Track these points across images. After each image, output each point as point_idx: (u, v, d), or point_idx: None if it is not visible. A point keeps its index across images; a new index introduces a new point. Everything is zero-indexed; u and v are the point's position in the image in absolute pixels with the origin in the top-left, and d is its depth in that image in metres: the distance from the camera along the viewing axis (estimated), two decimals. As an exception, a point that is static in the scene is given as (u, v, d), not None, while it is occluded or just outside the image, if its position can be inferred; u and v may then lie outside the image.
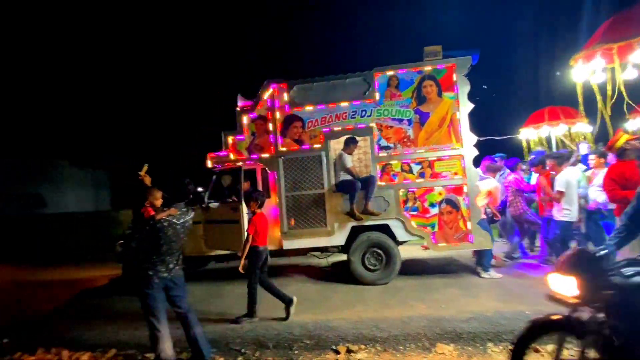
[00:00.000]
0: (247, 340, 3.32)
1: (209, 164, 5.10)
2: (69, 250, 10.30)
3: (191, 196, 3.47)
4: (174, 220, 2.77)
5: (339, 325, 3.49)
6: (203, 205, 5.04)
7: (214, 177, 5.11)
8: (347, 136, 4.91)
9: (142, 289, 2.72)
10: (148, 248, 2.76)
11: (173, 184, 3.38)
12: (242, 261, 3.78)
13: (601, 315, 1.68)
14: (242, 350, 3.19)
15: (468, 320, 3.38)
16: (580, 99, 3.98)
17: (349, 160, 4.81)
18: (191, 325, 2.86)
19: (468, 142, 4.70)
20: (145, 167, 3.28)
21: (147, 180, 3.36)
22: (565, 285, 1.77)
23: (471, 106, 4.71)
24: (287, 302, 3.78)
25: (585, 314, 1.72)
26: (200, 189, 5.43)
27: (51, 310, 4.56)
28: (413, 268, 5.43)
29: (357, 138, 4.97)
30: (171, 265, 2.80)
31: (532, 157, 5.92)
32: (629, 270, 1.68)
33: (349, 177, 4.86)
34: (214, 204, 5.05)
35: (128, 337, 3.52)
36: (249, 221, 3.94)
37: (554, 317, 1.83)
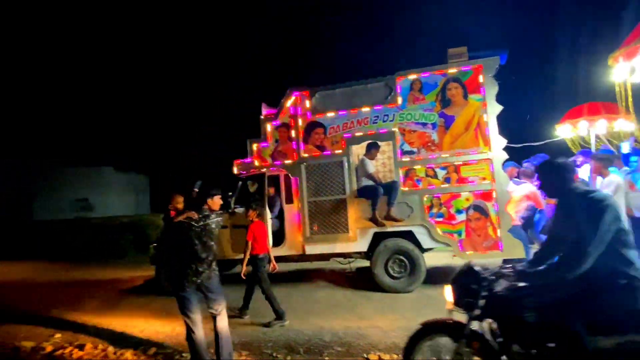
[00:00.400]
0: (278, 345, 3.35)
1: (235, 170, 5.29)
2: (112, 251, 11.09)
3: (195, 197, 3.63)
4: (193, 223, 2.77)
5: (370, 334, 3.44)
6: (229, 211, 5.22)
7: (240, 183, 5.29)
8: (368, 141, 4.88)
9: (176, 291, 2.79)
10: (175, 251, 2.83)
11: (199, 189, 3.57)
12: (244, 267, 3.95)
13: (476, 320, 1.89)
14: (274, 355, 3.20)
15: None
16: (623, 96, 3.64)
17: (371, 166, 4.79)
18: (218, 329, 2.85)
19: (497, 146, 4.49)
20: (199, 184, 3.50)
21: (194, 194, 3.59)
22: (447, 293, 2.06)
23: (500, 108, 4.50)
24: (280, 315, 3.81)
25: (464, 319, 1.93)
26: (229, 194, 5.62)
27: (93, 308, 4.92)
28: (447, 276, 5.20)
29: (380, 143, 4.93)
30: (200, 269, 2.77)
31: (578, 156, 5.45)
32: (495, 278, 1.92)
33: (370, 183, 4.83)
34: (239, 209, 5.22)
35: (166, 337, 3.68)
36: (247, 229, 4.02)
37: (438, 320, 2.09)
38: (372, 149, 4.81)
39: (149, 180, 29.98)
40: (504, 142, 4.50)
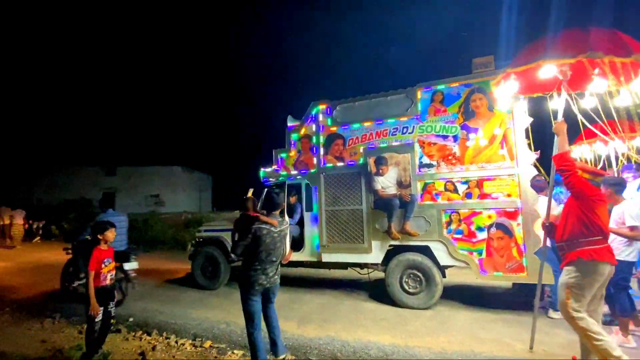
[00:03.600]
0: (324, 353, 3.40)
1: (261, 177, 5.69)
2: (177, 243, 12.50)
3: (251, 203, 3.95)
4: (272, 229, 2.90)
5: (419, 353, 3.33)
6: (254, 215, 5.62)
7: (265, 190, 5.66)
8: (376, 156, 4.86)
9: (243, 293, 2.91)
10: (249, 255, 2.89)
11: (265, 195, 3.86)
12: None
13: None
14: (318, 363, 3.26)
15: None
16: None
17: (377, 183, 4.76)
18: (272, 325, 3.07)
19: (524, 160, 4.15)
20: (251, 192, 3.91)
21: (250, 202, 3.90)
22: None
23: (529, 120, 4.16)
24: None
25: None
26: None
27: (156, 295, 5.64)
28: (510, 299, 4.85)
29: (397, 155, 4.87)
30: (271, 274, 2.93)
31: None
32: None
33: (388, 194, 4.81)
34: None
35: (220, 332, 3.97)
36: None
37: None
38: (379, 165, 4.78)
39: (211, 179, 32.75)
40: (533, 156, 4.14)
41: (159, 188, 24.83)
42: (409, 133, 4.82)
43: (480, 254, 4.33)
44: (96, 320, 3.17)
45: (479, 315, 4.33)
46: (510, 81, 3.38)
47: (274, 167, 5.64)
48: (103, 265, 3.24)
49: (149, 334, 3.99)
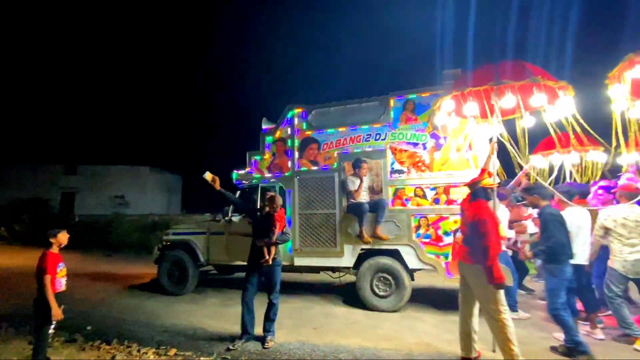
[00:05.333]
0: (293, 358, 3.41)
1: (234, 179, 5.59)
2: (142, 246, 11.91)
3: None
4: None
5: (387, 356, 3.39)
6: (226, 218, 5.51)
7: (238, 192, 5.57)
8: (355, 158, 4.96)
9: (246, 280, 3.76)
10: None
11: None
12: None
13: None
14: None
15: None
16: (614, 126, 3.42)
17: (351, 184, 4.84)
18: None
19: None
20: (208, 174, 3.85)
21: (217, 184, 3.89)
22: None
23: (499, 131, 4.40)
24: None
25: None
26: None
27: (106, 302, 5.38)
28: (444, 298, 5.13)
29: (370, 161, 4.98)
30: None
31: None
32: None
33: (362, 198, 4.89)
34: (236, 218, 5.50)
35: (187, 339, 3.84)
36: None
37: None
38: (356, 167, 4.87)
39: (182, 180, 31.60)
40: (496, 165, 4.38)
41: (125, 188, 23.64)
42: (382, 140, 4.95)
43: (446, 257, 4.51)
44: (51, 329, 2.96)
45: (445, 317, 4.49)
46: (447, 102, 3.80)
47: (248, 169, 5.57)
48: (58, 270, 3.04)
49: (109, 343, 3.77)
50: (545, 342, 3.70)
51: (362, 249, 4.89)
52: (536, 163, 5.48)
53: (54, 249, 3.10)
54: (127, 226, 13.54)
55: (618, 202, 3.88)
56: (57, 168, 23.56)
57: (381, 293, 4.77)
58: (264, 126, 5.64)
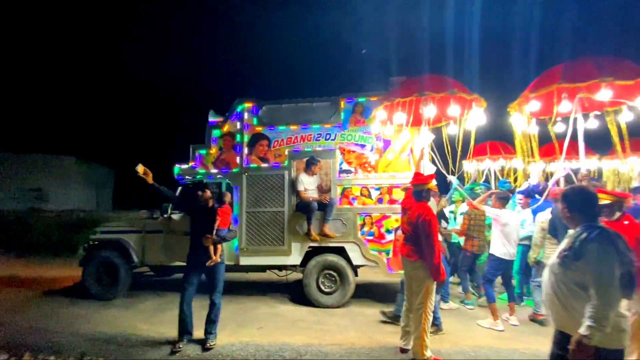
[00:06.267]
0: (236, 359, 3.33)
1: (176, 174, 5.24)
2: (64, 247, 10.53)
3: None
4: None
5: (331, 351, 3.46)
6: (165, 216, 5.15)
7: (180, 188, 5.24)
8: (308, 157, 5.01)
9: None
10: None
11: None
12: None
13: None
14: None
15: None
16: (523, 144, 4.09)
17: (300, 184, 4.88)
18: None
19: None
20: (140, 166, 3.54)
21: (150, 177, 3.65)
22: None
23: (432, 137, 4.76)
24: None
25: None
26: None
27: (18, 310, 4.68)
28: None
29: (321, 160, 5.06)
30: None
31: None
32: None
33: (310, 196, 4.93)
34: (176, 215, 5.17)
35: (119, 348, 3.55)
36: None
37: None
38: (310, 165, 4.92)
39: (114, 174, 28.72)
40: (433, 168, 4.76)
41: (44, 180, 20.71)
42: (332, 140, 5.05)
43: (388, 254, 4.77)
44: None
45: (386, 311, 4.72)
46: (381, 111, 4.33)
47: (191, 164, 5.25)
48: None
49: (19, 356, 3.30)
50: (471, 331, 4.13)
51: (309, 247, 4.94)
52: (468, 168, 6.09)
53: None
54: (45, 223, 11.91)
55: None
56: (-48, 154, 19.84)
57: (327, 290, 4.88)
58: (210, 119, 5.38)
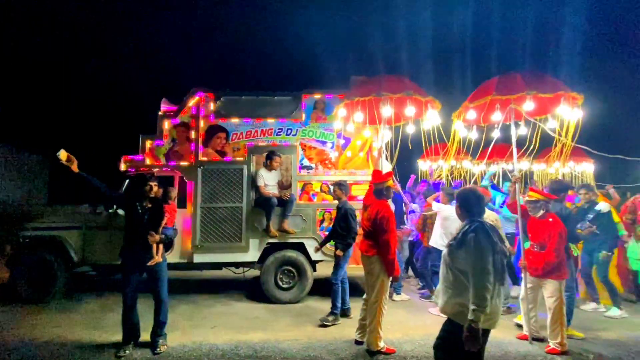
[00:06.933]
0: None
1: (123, 167, 4.84)
2: None
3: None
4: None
5: (288, 347, 3.45)
6: (110, 211, 4.76)
7: (127, 181, 4.85)
8: (268, 151, 4.92)
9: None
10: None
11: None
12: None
13: None
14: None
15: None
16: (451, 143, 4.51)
17: (260, 179, 4.79)
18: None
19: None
20: (63, 152, 3.11)
21: (75, 165, 3.22)
22: None
23: (389, 135, 4.94)
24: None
25: None
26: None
27: None
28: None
29: (281, 155, 5.00)
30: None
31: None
32: None
33: (269, 192, 4.86)
34: (122, 211, 4.78)
35: (54, 356, 3.22)
36: None
37: None
38: (269, 159, 4.84)
39: (48, 164, 25.82)
40: (389, 167, 4.94)
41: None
42: (293, 135, 5.01)
43: (346, 249, 4.86)
44: None
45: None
46: (342, 109, 4.52)
47: (141, 155, 4.89)
48: None
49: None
50: (421, 320, 4.38)
51: (268, 243, 4.88)
52: (423, 167, 6.47)
53: None
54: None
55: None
56: None
57: (285, 285, 4.87)
58: (163, 107, 5.04)
